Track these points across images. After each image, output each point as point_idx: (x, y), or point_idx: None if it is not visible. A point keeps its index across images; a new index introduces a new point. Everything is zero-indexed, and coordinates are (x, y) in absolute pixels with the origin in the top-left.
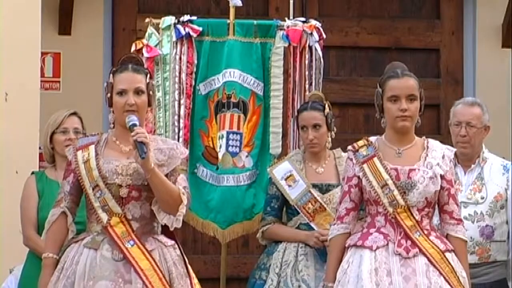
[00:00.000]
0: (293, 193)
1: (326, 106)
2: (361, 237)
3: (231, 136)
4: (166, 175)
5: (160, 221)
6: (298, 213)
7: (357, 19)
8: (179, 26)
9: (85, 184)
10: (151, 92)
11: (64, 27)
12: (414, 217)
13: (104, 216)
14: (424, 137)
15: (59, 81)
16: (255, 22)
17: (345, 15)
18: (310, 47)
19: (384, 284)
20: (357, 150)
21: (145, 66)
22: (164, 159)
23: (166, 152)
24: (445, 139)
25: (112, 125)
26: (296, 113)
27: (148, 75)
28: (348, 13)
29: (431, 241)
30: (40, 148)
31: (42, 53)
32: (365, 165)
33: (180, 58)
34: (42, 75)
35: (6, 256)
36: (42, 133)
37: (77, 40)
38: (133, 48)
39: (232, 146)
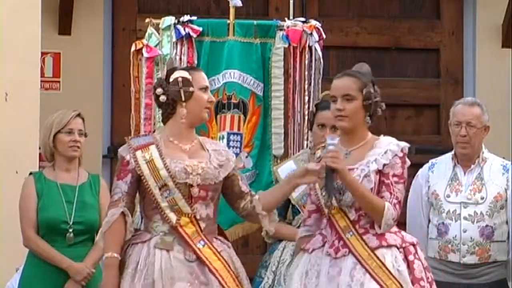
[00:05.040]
0: (294, 192)
1: None
2: (307, 240)
3: (231, 137)
4: (228, 176)
5: (265, 226)
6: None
7: (357, 19)
8: (179, 26)
9: (149, 183)
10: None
11: (64, 27)
12: (348, 217)
13: (172, 216)
14: (381, 136)
15: (59, 81)
16: (255, 22)
17: (345, 15)
18: (310, 47)
19: (311, 286)
20: (313, 153)
21: (145, 66)
22: (223, 159)
23: (223, 153)
24: (445, 139)
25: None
26: (302, 111)
27: None
28: (348, 13)
29: (363, 240)
30: (40, 148)
31: (42, 53)
32: None
33: (180, 59)
34: (42, 75)
35: (8, 256)
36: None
37: (77, 40)
38: (133, 48)
39: (233, 147)
